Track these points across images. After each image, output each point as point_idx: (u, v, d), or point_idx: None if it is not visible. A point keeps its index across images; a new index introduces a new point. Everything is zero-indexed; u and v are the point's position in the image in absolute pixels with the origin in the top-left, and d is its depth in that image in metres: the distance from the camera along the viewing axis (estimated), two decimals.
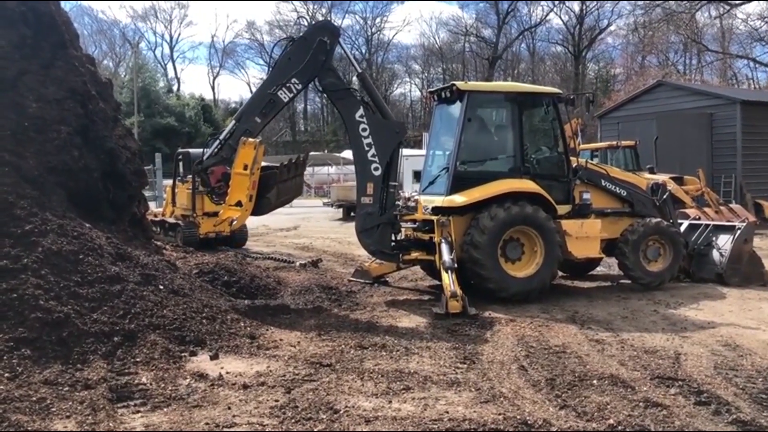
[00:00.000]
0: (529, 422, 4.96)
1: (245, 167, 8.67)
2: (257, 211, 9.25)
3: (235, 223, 9.23)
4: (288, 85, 9.12)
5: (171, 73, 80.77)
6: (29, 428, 4.55)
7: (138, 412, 5.13)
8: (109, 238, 8.17)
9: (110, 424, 4.81)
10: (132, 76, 55.66)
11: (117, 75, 65.58)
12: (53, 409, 4.96)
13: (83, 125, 9.00)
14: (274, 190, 9.32)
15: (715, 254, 11.47)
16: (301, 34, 9.88)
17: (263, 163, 9.13)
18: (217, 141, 9.19)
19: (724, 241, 11.43)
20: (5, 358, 5.62)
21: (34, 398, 5.06)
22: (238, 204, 8.78)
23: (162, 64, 80.00)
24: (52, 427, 4.68)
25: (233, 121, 9.31)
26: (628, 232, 10.71)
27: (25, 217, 7.12)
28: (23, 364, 5.60)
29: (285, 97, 9.22)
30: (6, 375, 5.39)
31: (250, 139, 8.76)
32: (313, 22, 11.94)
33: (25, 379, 5.39)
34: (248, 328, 7.69)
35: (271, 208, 9.66)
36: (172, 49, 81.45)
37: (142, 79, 57.37)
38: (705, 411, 5.38)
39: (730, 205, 18.16)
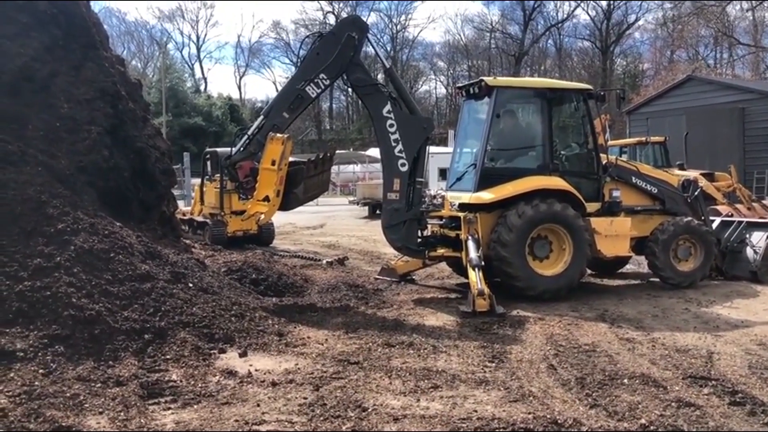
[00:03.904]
0: (559, 421, 4.90)
1: (273, 162, 8.69)
2: (285, 207, 9.28)
3: (262, 218, 9.27)
4: (316, 80, 9.13)
5: (198, 73, 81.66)
6: (63, 423, 4.62)
7: (169, 408, 5.18)
8: (139, 237, 8.27)
9: (142, 421, 4.86)
10: (160, 76, 56.31)
11: (145, 75, 66.36)
12: (86, 405, 5.03)
13: (113, 125, 9.12)
14: (302, 185, 9.34)
15: (749, 252, 11.25)
16: (329, 29, 9.88)
17: (290, 159, 9.16)
18: (245, 136, 9.24)
19: (758, 238, 11.21)
20: (39, 354, 5.70)
21: (68, 394, 5.13)
22: (266, 199, 8.82)
23: (189, 64, 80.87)
24: (86, 423, 4.74)
25: (261, 117, 9.36)
26: (658, 231, 10.54)
27: (58, 216, 7.23)
28: (57, 361, 5.68)
29: (313, 93, 9.23)
30: (40, 371, 5.47)
31: (278, 135, 8.79)
32: (342, 17, 12.00)
33: (58, 376, 5.47)
34: (276, 326, 7.72)
35: (299, 204, 9.69)
36: (198, 49, 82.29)
37: (170, 80, 57.98)
38: (740, 411, 5.27)
39: (764, 201, 17.81)
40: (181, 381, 5.72)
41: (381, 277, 11.37)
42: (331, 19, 67.50)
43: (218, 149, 17.74)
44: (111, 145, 8.97)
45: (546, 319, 8.40)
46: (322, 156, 10.03)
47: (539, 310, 8.90)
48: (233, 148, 9.38)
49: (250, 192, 9.18)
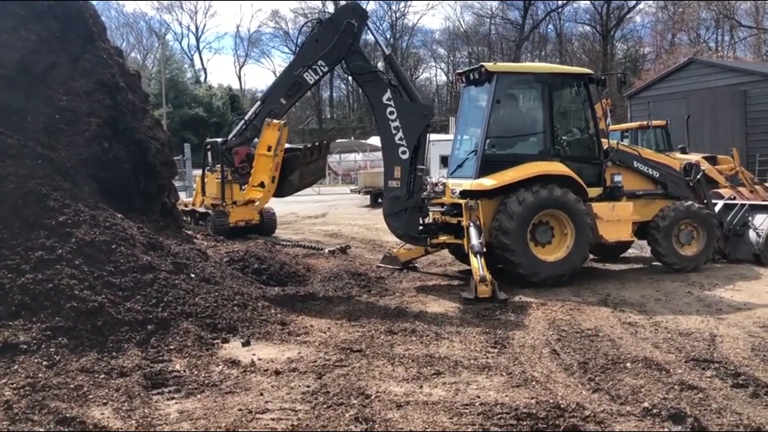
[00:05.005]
0: (561, 406, 4.90)
1: (269, 148, 8.72)
2: (280, 193, 9.30)
3: (257, 203, 9.28)
4: (314, 67, 9.10)
5: (198, 64, 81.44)
6: (67, 415, 4.63)
7: (172, 398, 5.20)
8: (140, 228, 8.27)
9: (145, 411, 4.88)
10: (160, 67, 56.16)
11: (144, 67, 66.25)
12: (90, 397, 5.05)
13: (113, 117, 9.10)
14: (297, 172, 9.36)
15: (752, 234, 11.24)
16: (328, 16, 9.84)
17: (287, 146, 9.16)
18: (242, 122, 9.24)
19: (761, 221, 11.19)
20: (43, 346, 5.73)
21: (72, 386, 5.15)
22: (261, 185, 8.83)
23: (188, 54, 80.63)
24: (90, 414, 4.76)
25: (258, 102, 9.35)
26: (659, 217, 10.52)
27: (59, 208, 7.22)
28: (60, 353, 5.71)
29: (311, 79, 9.21)
30: (44, 363, 5.50)
31: (275, 121, 8.80)
32: (341, 4, 11.97)
33: (62, 367, 5.49)
34: (279, 315, 7.73)
35: (294, 191, 9.71)
36: (198, 39, 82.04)
37: (169, 71, 57.83)
38: (743, 394, 5.28)
39: (766, 184, 17.77)
40: (184, 371, 5.74)
41: (383, 265, 11.37)
42: (331, 8, 67.23)
43: (219, 139, 17.68)
44: (111, 136, 8.95)
45: (548, 305, 8.41)
46: (318, 143, 10.04)
47: (541, 296, 8.90)
48: (230, 134, 9.39)
49: (246, 177, 9.20)
